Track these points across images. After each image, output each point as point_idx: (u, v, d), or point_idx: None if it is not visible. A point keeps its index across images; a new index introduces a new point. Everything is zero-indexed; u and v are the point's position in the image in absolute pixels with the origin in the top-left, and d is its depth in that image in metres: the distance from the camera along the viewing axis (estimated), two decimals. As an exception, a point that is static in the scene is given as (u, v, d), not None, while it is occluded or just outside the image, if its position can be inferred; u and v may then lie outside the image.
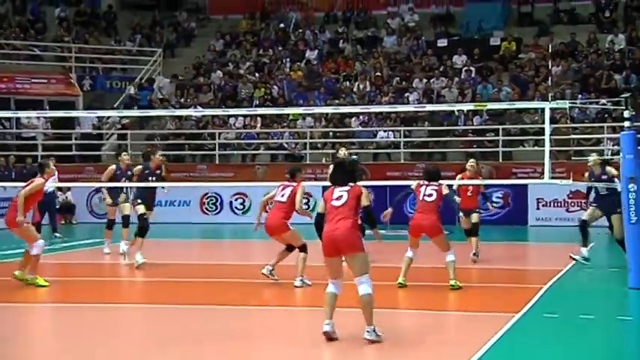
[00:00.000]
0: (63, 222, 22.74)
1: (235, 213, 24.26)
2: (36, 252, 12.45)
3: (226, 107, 25.81)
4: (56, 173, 21.10)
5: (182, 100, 28.30)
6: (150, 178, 14.77)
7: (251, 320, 10.23)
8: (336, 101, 26.44)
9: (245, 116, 26.46)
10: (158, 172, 15.00)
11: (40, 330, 10.25)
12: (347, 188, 8.98)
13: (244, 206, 24.16)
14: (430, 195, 12.09)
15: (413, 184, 12.63)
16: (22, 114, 24.64)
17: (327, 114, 25.80)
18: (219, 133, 26.38)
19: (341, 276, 8.86)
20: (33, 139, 26.81)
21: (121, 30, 33.08)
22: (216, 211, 24.50)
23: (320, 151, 25.51)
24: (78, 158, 26.63)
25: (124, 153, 16.78)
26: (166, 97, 28.44)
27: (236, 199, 24.27)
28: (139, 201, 14.76)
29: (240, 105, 26.92)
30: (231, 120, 27.01)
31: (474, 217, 14.82)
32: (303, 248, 12.29)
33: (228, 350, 8.61)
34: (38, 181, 12.70)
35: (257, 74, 29.34)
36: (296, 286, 12.05)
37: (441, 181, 12.37)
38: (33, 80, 29.05)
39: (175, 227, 21.98)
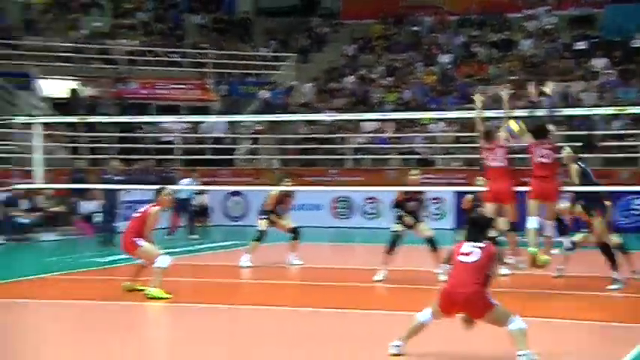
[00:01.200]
0: (199, 224, 23.08)
1: (366, 217, 24.14)
2: (160, 265, 11.60)
3: (358, 112, 25.72)
4: (192, 180, 21.65)
5: (316, 104, 28.42)
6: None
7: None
8: (470, 105, 25.95)
9: (376, 120, 26.29)
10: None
11: (188, 331, 10.29)
12: (480, 245, 8.06)
13: (376, 211, 24.01)
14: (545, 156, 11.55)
15: None
16: (160, 119, 25.36)
17: (459, 118, 25.35)
18: (351, 138, 26.34)
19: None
20: (170, 144, 27.44)
21: (256, 36, 33.54)
22: (348, 215, 24.44)
23: (452, 155, 25.14)
24: (212, 162, 27.07)
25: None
26: (308, 102, 28.50)
27: (367, 204, 24.15)
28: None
29: (371, 109, 26.80)
30: (363, 124, 26.93)
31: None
32: None
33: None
34: (153, 210, 11.91)
35: (389, 78, 29.20)
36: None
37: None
38: (172, 86, 29.78)
39: (306, 231, 21.97)
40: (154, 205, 11.98)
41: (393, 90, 28.25)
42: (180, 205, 21.46)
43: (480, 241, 8.12)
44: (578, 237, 13.20)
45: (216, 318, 10.68)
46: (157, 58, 30.71)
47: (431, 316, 8.10)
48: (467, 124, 25.59)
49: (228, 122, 27.57)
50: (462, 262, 8.02)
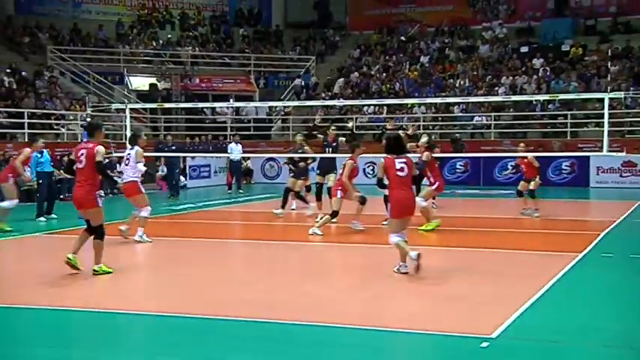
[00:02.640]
0: (245, 182, 23.34)
1: (367, 176, 24.14)
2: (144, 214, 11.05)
3: (361, 99, 25.76)
4: (240, 147, 21.80)
5: (329, 93, 28.44)
6: (327, 150, 13.87)
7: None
8: (443, 94, 25.95)
9: (374, 105, 26.32)
10: (334, 144, 13.95)
11: (244, 259, 10.50)
12: (405, 160, 8.29)
13: (374, 171, 24.10)
14: None
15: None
16: (216, 104, 25.47)
17: (436, 103, 25.42)
18: (356, 118, 26.39)
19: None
20: (224, 123, 27.59)
21: (286, 43, 33.45)
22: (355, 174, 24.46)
23: (431, 131, 25.17)
24: (254, 137, 27.26)
25: (332, 128, 14.58)
26: (338, 93, 28.33)
27: (368, 167, 24.23)
28: (318, 171, 13.94)
29: (371, 97, 26.82)
30: (365, 108, 26.97)
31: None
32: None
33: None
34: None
35: (384, 74, 29.14)
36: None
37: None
38: (224, 81, 29.81)
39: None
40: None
41: (387, 82, 28.17)
42: (233, 167, 21.64)
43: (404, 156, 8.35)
44: None
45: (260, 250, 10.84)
46: (212, 61, 30.76)
47: (397, 235, 8.24)
48: (440, 108, 25.66)
49: (268, 106, 27.65)
50: (399, 176, 8.24)
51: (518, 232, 12.01)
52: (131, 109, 16.71)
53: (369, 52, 31.28)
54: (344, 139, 13.93)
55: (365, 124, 26.44)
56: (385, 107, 26.30)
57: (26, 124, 20.28)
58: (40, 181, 14.89)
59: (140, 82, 28.66)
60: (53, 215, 14.76)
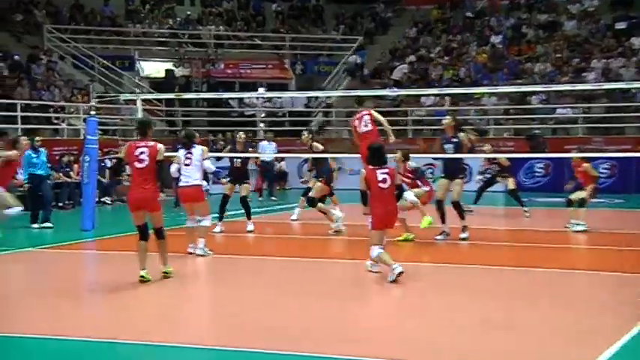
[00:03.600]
0: (278, 188, 23.38)
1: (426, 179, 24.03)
2: None
3: (418, 87, 25.59)
4: (274, 145, 21.87)
5: (383, 80, 28.37)
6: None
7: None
8: (519, 81, 25.62)
9: (435, 95, 26.14)
10: None
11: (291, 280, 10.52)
12: (387, 171, 9.53)
13: (433, 173, 23.98)
14: None
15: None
16: (244, 95, 25.62)
17: (510, 93, 25.09)
18: (412, 111, 26.24)
19: None
20: (253, 117, 27.72)
21: (327, 21, 33.49)
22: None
23: (503, 126, 24.94)
24: (290, 133, 27.26)
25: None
26: (400, 80, 28.22)
27: (427, 168, 24.05)
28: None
29: (430, 85, 26.65)
30: (423, 99, 26.79)
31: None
32: None
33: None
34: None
35: (446, 57, 28.95)
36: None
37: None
38: (253, 66, 29.99)
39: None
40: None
41: (450, 68, 27.99)
42: (264, 169, 21.70)
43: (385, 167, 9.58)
44: None
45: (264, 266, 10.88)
46: (240, 42, 30.95)
47: (378, 247, 9.46)
48: (515, 98, 25.35)
49: (306, 97, 27.71)
50: (381, 188, 9.46)
51: (595, 249, 12.00)
52: (143, 100, 16.88)
53: (429, 31, 31.09)
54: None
55: (423, 117, 26.27)
56: (447, 97, 26.09)
57: (19, 118, 20.64)
58: (31, 185, 15.15)
59: (154, 68, 29.01)
60: (49, 224, 14.97)
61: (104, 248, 12.66)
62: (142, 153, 9.30)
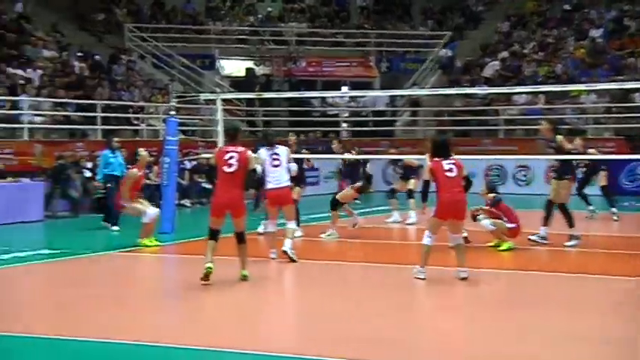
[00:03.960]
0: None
1: (518, 184, 23.85)
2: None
3: (510, 85, 25.34)
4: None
5: (469, 77, 28.20)
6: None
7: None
8: (620, 77, 25.07)
9: (528, 93, 25.82)
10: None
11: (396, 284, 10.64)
12: (453, 161, 9.96)
13: (526, 177, 23.73)
14: None
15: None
16: (327, 94, 25.85)
17: (610, 90, 24.56)
18: (504, 110, 26.01)
19: None
20: (336, 117, 27.91)
21: (415, 16, 33.45)
22: (500, 182, 24.20)
23: (603, 125, 24.47)
24: (374, 134, 27.38)
25: None
26: (491, 77, 28.10)
27: (519, 171, 23.87)
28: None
29: (523, 82, 26.32)
30: (515, 97, 26.50)
31: None
32: None
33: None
34: (130, 172, 13.58)
35: (541, 53, 28.55)
36: None
37: None
38: (337, 64, 30.20)
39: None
40: (132, 168, 13.35)
41: (545, 64, 27.60)
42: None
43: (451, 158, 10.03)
44: None
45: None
46: (323, 39, 31.22)
47: (431, 237, 9.88)
48: (616, 96, 24.82)
49: (389, 96, 27.75)
50: (448, 177, 9.85)
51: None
52: (223, 99, 17.24)
53: (523, 25, 30.72)
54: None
55: (515, 117, 26.00)
56: (542, 96, 25.72)
57: (99, 119, 21.37)
58: (109, 185, 15.69)
59: (234, 67, 29.57)
60: (116, 227, 15.52)
61: (184, 252, 13.01)
62: (231, 157, 9.75)
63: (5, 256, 12.11)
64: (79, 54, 24.60)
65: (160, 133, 21.91)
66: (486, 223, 12.28)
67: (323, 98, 28.11)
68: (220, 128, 15.34)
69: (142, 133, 22.98)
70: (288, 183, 11.59)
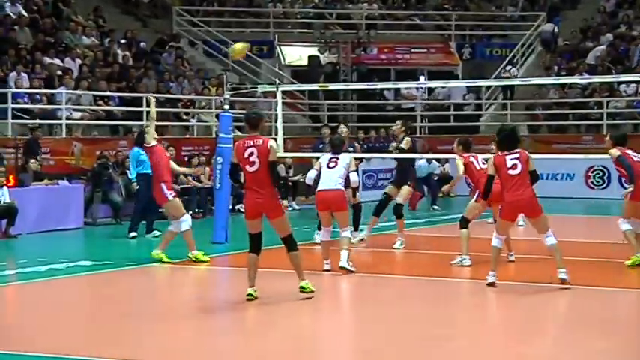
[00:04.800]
0: (441, 195, 23.20)
1: (625, 187, 23.25)
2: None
3: (616, 73, 24.81)
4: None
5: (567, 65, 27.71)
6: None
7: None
8: None
9: (637, 82, 25.25)
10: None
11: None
12: (517, 156, 10.34)
13: (603, 181, 23.29)
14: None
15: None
16: (402, 84, 25.64)
17: None
18: (608, 102, 25.50)
19: None
20: (412, 110, 27.69)
21: (503, -6, 33.05)
22: (603, 185, 23.72)
23: None
24: (456, 129, 27.06)
25: None
26: (595, 64, 27.57)
27: (595, 173, 23.43)
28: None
29: (631, 70, 25.75)
30: (622, 87, 25.96)
31: None
32: None
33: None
34: None
35: (652, 35, 27.94)
36: None
37: None
38: (413, 50, 29.99)
39: (557, 202, 21.57)
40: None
41: (656, 48, 27.03)
42: (421, 183, 21.72)
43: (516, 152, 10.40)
44: None
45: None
46: (397, 22, 31.02)
47: (499, 238, 10.46)
48: None
49: (474, 88, 27.36)
50: (511, 175, 10.25)
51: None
52: (284, 91, 17.20)
53: (630, 4, 30.09)
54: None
55: (621, 109, 25.46)
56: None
57: (145, 114, 21.53)
58: (138, 186, 15.78)
59: (296, 55, 29.55)
60: (156, 232, 15.63)
61: (239, 264, 12.96)
62: (251, 154, 9.63)
63: (42, 268, 12.25)
64: (123, 41, 24.84)
65: (213, 130, 22.01)
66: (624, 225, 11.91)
67: (397, 90, 27.89)
68: (280, 124, 15.33)
69: (192, 129, 23.11)
70: (341, 187, 11.68)
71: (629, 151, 11.73)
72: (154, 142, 13.08)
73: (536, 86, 26.79)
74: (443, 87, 27.40)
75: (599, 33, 28.91)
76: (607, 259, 12.75)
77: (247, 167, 9.66)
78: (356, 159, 13.21)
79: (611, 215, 20.23)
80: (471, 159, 12.24)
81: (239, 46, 14.89)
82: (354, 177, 12.20)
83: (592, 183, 23.84)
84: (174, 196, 12.89)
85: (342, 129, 15.78)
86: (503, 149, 10.50)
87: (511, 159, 10.32)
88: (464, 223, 12.15)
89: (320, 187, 11.76)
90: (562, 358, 7.67)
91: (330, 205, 11.64)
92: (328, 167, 11.80)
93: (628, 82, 25.30)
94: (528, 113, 27.16)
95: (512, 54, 28.77)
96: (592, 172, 23.77)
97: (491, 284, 10.38)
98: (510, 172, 10.27)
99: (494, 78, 26.63)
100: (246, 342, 8.43)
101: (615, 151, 11.72)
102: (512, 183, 10.26)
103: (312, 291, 9.86)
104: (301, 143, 22.47)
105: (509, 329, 8.87)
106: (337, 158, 11.87)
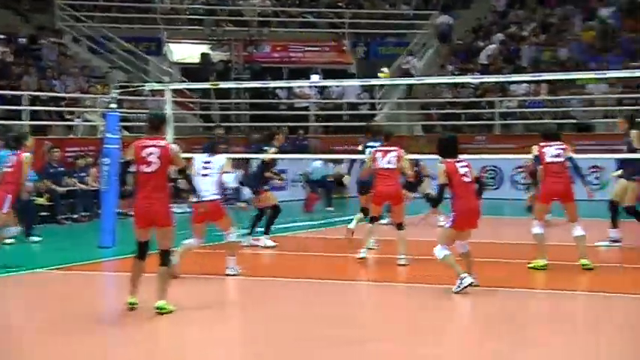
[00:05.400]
0: (335, 195, 23.38)
1: (517, 188, 23.87)
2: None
3: (507, 73, 25.37)
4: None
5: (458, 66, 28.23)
6: None
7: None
8: (634, 64, 25.21)
9: (529, 82, 25.87)
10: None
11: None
12: (466, 164, 10.33)
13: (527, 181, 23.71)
14: (558, 155, 11.77)
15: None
16: (295, 83, 25.70)
17: (623, 78, 24.71)
18: (500, 101, 26.04)
19: None
20: (305, 110, 27.76)
21: (396, -8, 33.44)
22: (496, 186, 24.24)
23: (614, 120, 24.53)
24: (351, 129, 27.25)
25: None
26: (486, 64, 28.07)
27: (518, 173, 23.91)
28: None
29: (522, 70, 26.39)
30: (513, 87, 26.56)
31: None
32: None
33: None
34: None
35: (543, 36, 28.67)
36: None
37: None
38: (306, 49, 30.06)
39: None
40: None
41: (547, 48, 27.74)
42: (316, 185, 21.85)
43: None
44: None
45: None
46: (290, 19, 31.06)
47: (446, 248, 10.20)
48: (631, 85, 24.96)
49: (368, 87, 27.62)
50: (465, 182, 10.19)
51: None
52: (173, 90, 17.03)
53: (521, 4, 30.84)
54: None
55: (514, 109, 26.05)
56: (544, 85, 25.80)
57: (26, 113, 21.02)
58: None
59: (186, 52, 29.29)
60: (34, 238, 15.41)
61: (126, 269, 12.74)
62: (150, 154, 9.32)
63: None
64: (1, 36, 24.26)
65: (99, 130, 21.64)
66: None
67: (290, 89, 27.92)
68: (170, 124, 15.13)
69: (77, 129, 22.67)
70: (216, 196, 11.47)
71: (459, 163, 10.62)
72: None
73: (430, 86, 27.23)
74: (337, 86, 27.57)
75: (490, 32, 29.54)
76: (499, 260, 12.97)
77: (144, 167, 9.29)
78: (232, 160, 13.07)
79: (503, 216, 20.75)
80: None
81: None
82: (226, 177, 11.82)
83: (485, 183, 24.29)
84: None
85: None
86: (448, 156, 10.37)
87: (462, 166, 10.31)
88: None
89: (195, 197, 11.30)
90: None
91: (206, 216, 11.32)
92: (202, 174, 11.53)
93: (519, 82, 25.89)
94: (423, 113, 27.56)
95: (411, 44, 29.34)
96: (485, 173, 24.23)
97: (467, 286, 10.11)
98: (464, 178, 10.28)
99: (394, 70, 26.98)
100: (129, 353, 8.27)
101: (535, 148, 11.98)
102: (466, 191, 10.31)
103: (171, 311, 9.32)
104: (192, 143, 22.16)
105: (413, 331, 8.91)
106: (209, 162, 11.70)
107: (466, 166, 10.34)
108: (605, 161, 22.05)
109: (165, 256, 9.43)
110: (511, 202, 22.81)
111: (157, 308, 9.28)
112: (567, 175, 11.83)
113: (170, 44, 28.73)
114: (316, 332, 8.60)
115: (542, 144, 11.93)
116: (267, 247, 14.30)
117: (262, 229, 14.45)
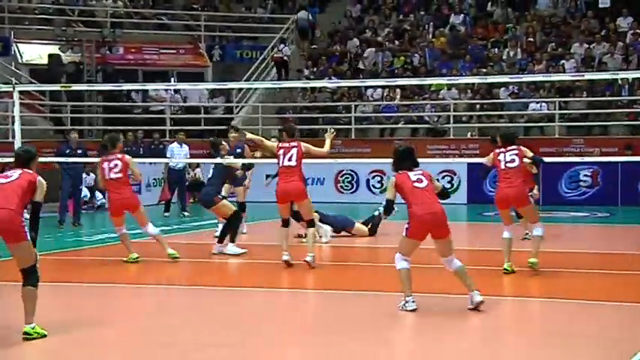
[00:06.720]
0: (192, 200, 23.27)
1: (372, 192, 24.29)
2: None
3: (363, 78, 25.80)
4: (187, 149, 21.80)
5: (315, 70, 28.51)
6: None
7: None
8: (484, 70, 26.04)
9: (383, 87, 26.38)
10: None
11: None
12: (420, 172, 9.75)
13: (382, 184, 24.17)
14: (512, 161, 11.61)
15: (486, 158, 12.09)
16: (150, 86, 25.43)
17: (473, 84, 25.50)
18: (356, 106, 26.44)
19: None
20: (161, 113, 27.53)
21: (252, -5, 33.57)
22: (352, 189, 24.63)
23: (465, 125, 25.30)
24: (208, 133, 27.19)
25: None
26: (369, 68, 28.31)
27: (373, 177, 24.32)
28: None
29: (377, 75, 26.86)
30: (369, 92, 27.01)
31: None
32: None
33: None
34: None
35: (396, 42, 29.24)
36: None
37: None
38: (161, 51, 29.82)
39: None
40: None
41: (401, 54, 28.27)
42: (174, 178, 21.62)
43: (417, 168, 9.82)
44: None
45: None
46: (143, 21, 30.74)
47: (404, 259, 9.57)
48: (479, 90, 25.77)
49: (225, 90, 27.66)
50: (419, 188, 9.58)
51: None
52: (21, 92, 16.65)
53: (375, 10, 31.40)
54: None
55: (369, 114, 26.50)
56: (398, 90, 26.34)
57: None
58: None
59: (35, 53, 28.61)
60: None
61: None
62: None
63: None
64: None
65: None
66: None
67: (145, 91, 27.65)
68: (18, 127, 14.75)
69: None
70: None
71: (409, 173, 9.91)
72: None
73: (287, 90, 27.46)
74: (195, 88, 27.43)
75: (346, 37, 29.95)
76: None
77: None
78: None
79: (359, 219, 21.02)
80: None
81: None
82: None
83: (341, 187, 24.67)
84: None
85: (231, 133, 15.96)
86: (403, 168, 9.73)
87: (415, 174, 9.66)
88: None
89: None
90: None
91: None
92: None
93: (375, 87, 26.35)
94: (279, 117, 27.72)
95: (283, 30, 29.73)
96: (341, 177, 24.61)
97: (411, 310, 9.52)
98: (417, 184, 9.58)
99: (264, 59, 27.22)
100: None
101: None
102: (422, 195, 9.56)
103: (44, 335, 8.40)
104: (43, 147, 21.75)
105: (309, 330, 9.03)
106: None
107: (420, 174, 9.70)
108: (458, 165, 22.82)
109: (28, 275, 8.39)
110: (366, 205, 23.17)
111: (25, 334, 8.38)
112: (520, 180, 11.63)
113: (18, 44, 28.02)
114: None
115: (497, 150, 11.81)
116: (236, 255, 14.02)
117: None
